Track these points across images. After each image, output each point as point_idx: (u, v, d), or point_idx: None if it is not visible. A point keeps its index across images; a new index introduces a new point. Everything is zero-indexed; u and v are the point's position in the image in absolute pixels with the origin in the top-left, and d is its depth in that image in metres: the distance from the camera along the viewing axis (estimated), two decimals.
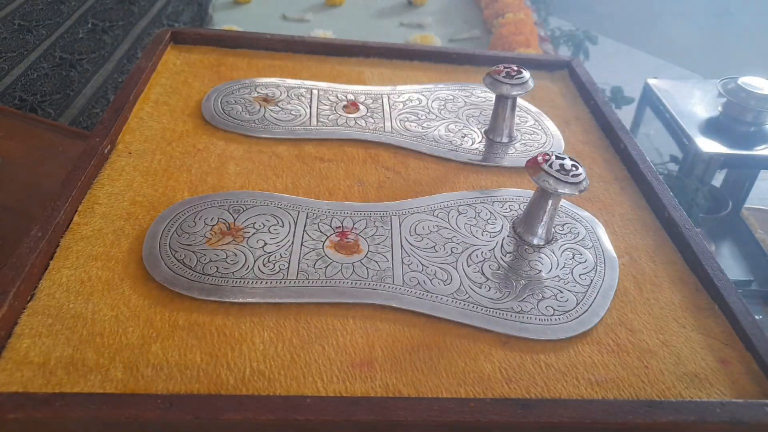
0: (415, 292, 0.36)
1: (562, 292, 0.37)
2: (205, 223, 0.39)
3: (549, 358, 0.34)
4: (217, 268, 0.36)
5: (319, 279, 0.36)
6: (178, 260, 0.36)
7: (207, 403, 0.28)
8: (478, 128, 0.53)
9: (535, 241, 0.40)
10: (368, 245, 0.39)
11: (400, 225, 0.41)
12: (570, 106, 0.58)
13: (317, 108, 0.53)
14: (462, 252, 0.39)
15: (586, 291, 0.37)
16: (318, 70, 0.58)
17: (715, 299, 0.38)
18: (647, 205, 0.46)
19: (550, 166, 0.38)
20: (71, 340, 0.32)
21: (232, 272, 0.36)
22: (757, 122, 0.96)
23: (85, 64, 0.88)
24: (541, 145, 0.51)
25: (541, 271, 0.38)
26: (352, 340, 0.34)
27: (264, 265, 0.37)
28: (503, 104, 0.50)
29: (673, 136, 1.08)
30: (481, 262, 0.39)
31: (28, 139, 0.64)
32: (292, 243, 0.38)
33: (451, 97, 0.56)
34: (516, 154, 0.50)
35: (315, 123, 0.51)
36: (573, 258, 0.40)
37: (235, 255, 0.37)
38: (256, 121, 0.50)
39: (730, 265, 1.08)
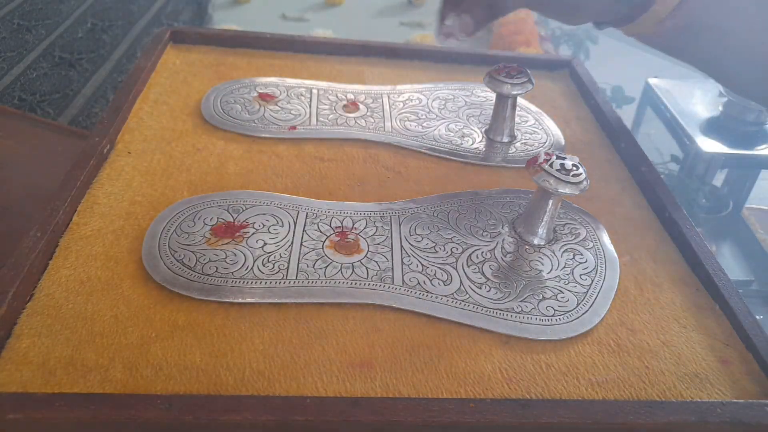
0: (415, 293, 0.36)
1: (562, 292, 0.37)
2: (205, 223, 0.39)
3: (549, 358, 0.34)
4: (217, 268, 0.36)
5: (318, 279, 0.36)
6: (177, 260, 0.36)
7: (207, 403, 0.28)
8: (479, 128, 0.52)
9: (536, 241, 0.40)
10: (368, 245, 0.39)
11: (400, 225, 0.41)
12: (570, 106, 0.58)
13: (317, 107, 0.53)
14: (462, 252, 0.39)
15: (587, 291, 0.37)
16: (318, 70, 0.58)
17: (716, 299, 0.38)
18: (648, 205, 0.46)
19: (551, 165, 0.37)
20: (71, 340, 0.32)
21: (232, 272, 0.36)
22: (758, 122, 0.96)
23: (85, 64, 0.88)
24: (541, 145, 0.51)
25: (541, 271, 0.38)
26: (352, 340, 0.33)
27: (264, 265, 0.36)
28: (503, 104, 0.50)
29: (673, 136, 1.08)
30: (481, 262, 0.38)
31: (27, 139, 0.63)
32: (292, 243, 0.38)
33: (451, 96, 0.56)
34: (516, 154, 0.50)
35: (315, 123, 0.51)
36: (574, 258, 0.40)
37: (235, 255, 0.37)
38: (256, 121, 0.50)
39: (731, 265, 1.07)
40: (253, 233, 0.39)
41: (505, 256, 0.39)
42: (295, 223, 0.40)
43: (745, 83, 0.47)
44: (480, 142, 0.51)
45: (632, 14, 0.43)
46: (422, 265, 0.38)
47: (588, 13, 0.43)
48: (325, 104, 0.53)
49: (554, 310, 0.36)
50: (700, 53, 0.46)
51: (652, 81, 1.12)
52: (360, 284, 0.36)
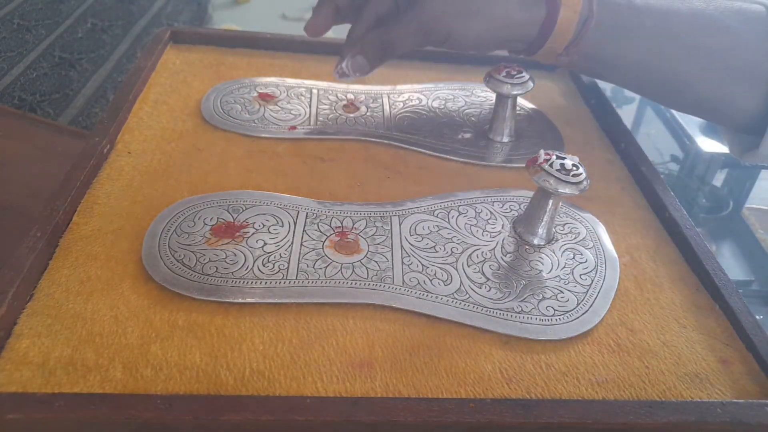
0: (415, 293, 0.36)
1: (562, 292, 0.37)
2: (205, 223, 0.39)
3: (549, 358, 0.34)
4: (217, 268, 0.36)
5: (318, 279, 0.36)
6: (177, 260, 0.36)
7: (207, 404, 0.28)
8: (479, 128, 0.52)
9: (536, 241, 0.40)
10: (368, 245, 0.39)
11: (400, 225, 0.41)
12: (571, 106, 0.58)
13: (317, 107, 0.53)
14: (462, 252, 0.39)
15: (587, 291, 0.37)
16: (318, 70, 0.58)
17: (716, 299, 0.38)
18: (648, 205, 0.46)
19: (551, 165, 0.37)
20: (70, 340, 0.32)
21: (232, 272, 0.36)
22: None
23: (85, 64, 0.88)
24: (541, 145, 0.51)
25: (541, 271, 0.38)
26: (352, 340, 0.33)
27: (264, 265, 0.36)
28: (503, 104, 0.50)
29: (673, 136, 1.08)
30: (481, 262, 0.38)
31: (27, 139, 0.63)
32: (292, 243, 0.38)
33: (451, 96, 0.56)
34: (516, 154, 0.50)
35: (315, 123, 0.51)
36: (574, 258, 0.40)
37: (235, 255, 0.37)
38: (256, 121, 0.50)
39: (731, 265, 1.07)
40: (253, 233, 0.39)
41: (505, 256, 0.39)
42: (295, 223, 0.40)
43: (660, 99, 0.51)
44: (480, 142, 0.51)
45: (529, 50, 0.47)
46: (422, 265, 0.38)
47: (484, 49, 0.47)
48: (325, 104, 0.53)
49: (554, 310, 0.36)
50: (607, 76, 0.49)
51: None
52: (360, 284, 0.36)
